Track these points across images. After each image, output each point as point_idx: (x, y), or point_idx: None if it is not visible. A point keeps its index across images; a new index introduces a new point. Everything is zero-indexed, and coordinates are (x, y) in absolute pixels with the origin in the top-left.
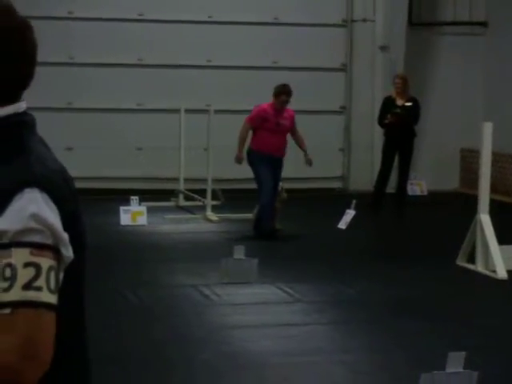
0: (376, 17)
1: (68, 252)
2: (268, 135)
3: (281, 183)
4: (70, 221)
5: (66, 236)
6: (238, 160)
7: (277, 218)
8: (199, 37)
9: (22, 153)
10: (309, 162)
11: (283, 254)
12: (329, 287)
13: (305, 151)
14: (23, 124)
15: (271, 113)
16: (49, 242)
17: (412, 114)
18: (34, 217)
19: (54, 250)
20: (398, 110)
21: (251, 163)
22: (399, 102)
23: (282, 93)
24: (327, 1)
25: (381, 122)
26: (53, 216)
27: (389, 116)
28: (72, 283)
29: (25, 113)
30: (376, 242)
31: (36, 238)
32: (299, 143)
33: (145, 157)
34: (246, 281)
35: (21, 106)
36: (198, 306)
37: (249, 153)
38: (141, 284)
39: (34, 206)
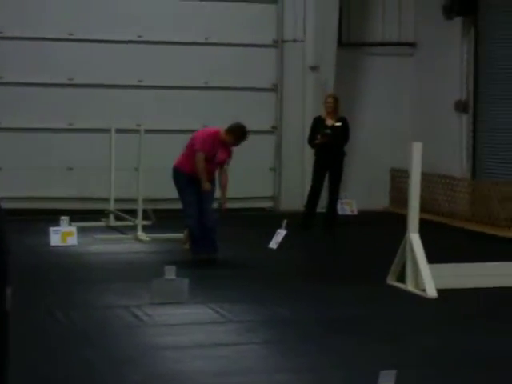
0: (306, 37)
1: None
2: (206, 164)
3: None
4: None
5: None
6: (206, 190)
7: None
8: (130, 56)
9: None
10: (223, 206)
11: (214, 274)
12: (261, 307)
13: (223, 194)
14: None
15: (216, 144)
16: None
17: (341, 134)
18: None
19: None
20: (328, 130)
21: (176, 182)
22: (329, 122)
23: (243, 139)
24: (258, 21)
25: (311, 142)
26: None
27: (319, 136)
28: None
29: None
30: (307, 262)
31: None
32: (222, 181)
33: (75, 177)
34: (177, 301)
35: None
36: (129, 327)
37: (175, 171)
38: (72, 305)
39: None
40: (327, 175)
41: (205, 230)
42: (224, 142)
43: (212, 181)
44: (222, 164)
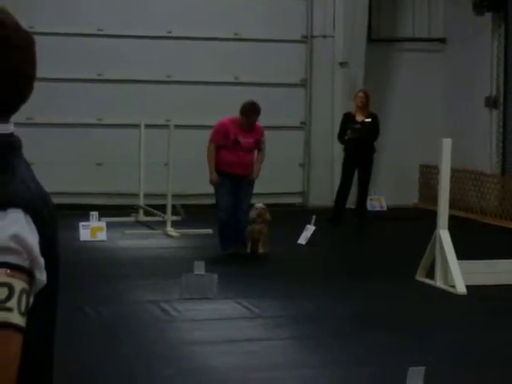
0: (336, 33)
1: (42, 276)
2: (226, 153)
3: (260, 204)
4: (48, 245)
5: (42, 260)
6: (214, 183)
7: (262, 242)
8: (159, 52)
9: (7, 174)
10: (252, 177)
11: (243, 270)
12: (289, 302)
13: (255, 167)
14: (10, 145)
15: (232, 129)
16: (25, 264)
17: (371, 130)
18: (15, 237)
19: (29, 273)
20: (358, 126)
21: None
22: (359, 118)
23: (253, 113)
24: (287, 17)
25: (340, 138)
26: (33, 239)
27: (348, 132)
28: (42, 308)
29: (12, 134)
30: (336, 258)
31: (13, 259)
32: (256, 159)
33: (105, 172)
34: (206, 296)
35: (8, 128)
36: (158, 322)
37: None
38: (101, 300)
39: (15, 227)
40: (357, 171)
41: (237, 226)
42: (242, 127)
43: (247, 172)
44: (252, 148)
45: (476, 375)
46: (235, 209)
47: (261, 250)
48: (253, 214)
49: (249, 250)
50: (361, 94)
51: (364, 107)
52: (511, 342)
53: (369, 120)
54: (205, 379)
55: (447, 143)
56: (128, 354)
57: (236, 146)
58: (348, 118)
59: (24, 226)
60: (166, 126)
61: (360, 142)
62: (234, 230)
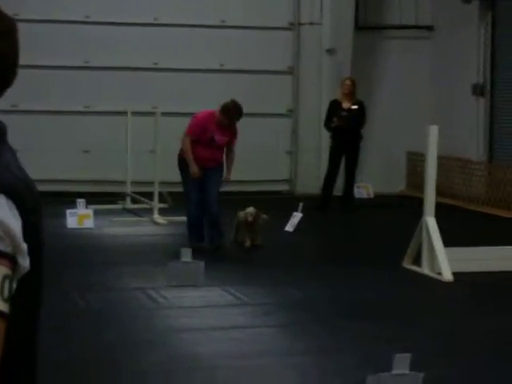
0: (323, 20)
1: (25, 262)
2: (199, 148)
3: (252, 209)
4: (31, 231)
5: (25, 246)
6: (197, 175)
7: (255, 235)
8: (146, 39)
9: None
10: (226, 180)
11: (230, 257)
12: (276, 290)
13: (228, 170)
14: None
15: (210, 126)
16: (7, 250)
17: (358, 118)
18: None
19: (11, 259)
20: (345, 114)
21: (180, 169)
22: (345, 105)
23: (235, 116)
24: (274, 3)
25: (327, 126)
26: (15, 224)
27: (335, 119)
28: (26, 294)
29: None
30: (323, 245)
31: None
32: (227, 160)
33: (92, 159)
34: (193, 284)
35: None
36: (145, 309)
37: (179, 159)
38: (88, 287)
39: None
40: (344, 159)
41: (209, 219)
42: (220, 123)
43: (217, 166)
44: (224, 147)
45: (462, 362)
46: (205, 201)
47: (258, 242)
48: (241, 219)
49: (232, 238)
50: (347, 82)
51: (351, 94)
52: (498, 328)
53: (355, 107)
54: (192, 366)
55: (434, 130)
56: (115, 341)
57: (211, 143)
58: (335, 106)
59: (6, 211)
60: (152, 114)
61: (347, 130)
62: (208, 223)
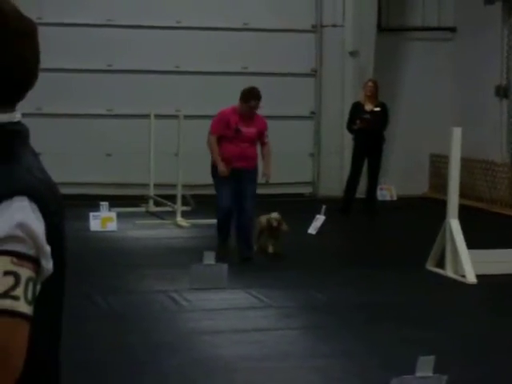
0: (345, 22)
1: (48, 265)
2: (227, 143)
3: (276, 214)
4: (54, 234)
5: (48, 249)
6: (224, 173)
7: (277, 242)
8: (168, 42)
9: (13, 162)
10: (265, 177)
11: (253, 260)
12: (299, 293)
13: (265, 164)
14: (17, 134)
15: (233, 118)
16: (31, 252)
17: (381, 120)
18: (21, 226)
19: (35, 262)
20: (367, 116)
21: (213, 175)
22: (368, 108)
23: (252, 97)
24: (297, 6)
25: (350, 128)
26: (39, 227)
27: (358, 121)
28: (49, 297)
29: (19, 123)
30: (346, 247)
31: (19, 247)
32: (263, 155)
33: (114, 162)
34: (216, 286)
35: (15, 116)
36: (168, 312)
37: (212, 165)
38: (111, 290)
39: (21, 215)
40: (366, 161)
41: (239, 228)
42: (243, 114)
43: (252, 169)
44: (255, 140)
45: (487, 364)
46: (237, 209)
47: (277, 250)
48: (264, 224)
49: (257, 246)
50: (370, 84)
51: (373, 96)
52: None
53: (378, 109)
54: (214, 368)
55: (457, 132)
56: (137, 343)
57: (237, 136)
58: (357, 108)
59: (30, 214)
60: (175, 117)
61: (369, 132)
62: (238, 233)
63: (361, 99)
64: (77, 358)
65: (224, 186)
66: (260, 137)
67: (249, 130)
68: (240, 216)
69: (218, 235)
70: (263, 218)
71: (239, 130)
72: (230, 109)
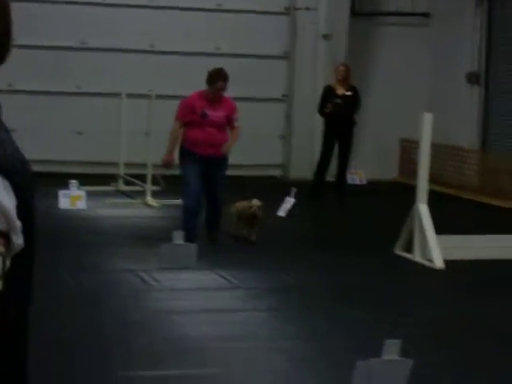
0: (319, 5)
1: (18, 240)
2: (194, 128)
3: (257, 201)
4: (25, 210)
5: (19, 224)
6: (166, 163)
7: (255, 231)
8: (142, 21)
9: None
10: (223, 148)
11: (222, 241)
12: (268, 274)
13: (228, 144)
14: None
15: (199, 102)
16: (1, 227)
17: (352, 104)
18: None
19: (5, 237)
20: (339, 100)
21: (180, 163)
22: (339, 92)
23: (218, 78)
24: None
25: (321, 111)
26: (9, 202)
27: (329, 105)
28: (19, 271)
29: None
30: (315, 231)
31: None
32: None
33: (85, 141)
34: (184, 266)
35: None
36: (137, 291)
37: (180, 152)
38: (80, 268)
39: None
40: (337, 144)
41: (209, 215)
42: (210, 97)
43: (219, 153)
44: (223, 124)
45: (453, 348)
46: (206, 197)
47: (253, 238)
48: (244, 211)
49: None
50: (342, 68)
51: (345, 80)
52: (487, 315)
53: (349, 93)
54: (182, 348)
55: (428, 118)
56: (106, 321)
57: (204, 121)
58: (328, 92)
59: (1, 190)
60: (147, 96)
61: (340, 116)
62: (206, 220)
63: (332, 83)
64: (46, 335)
65: (191, 170)
66: (229, 121)
67: (216, 114)
68: (209, 205)
69: (185, 229)
70: (241, 205)
71: (206, 115)
72: (196, 93)
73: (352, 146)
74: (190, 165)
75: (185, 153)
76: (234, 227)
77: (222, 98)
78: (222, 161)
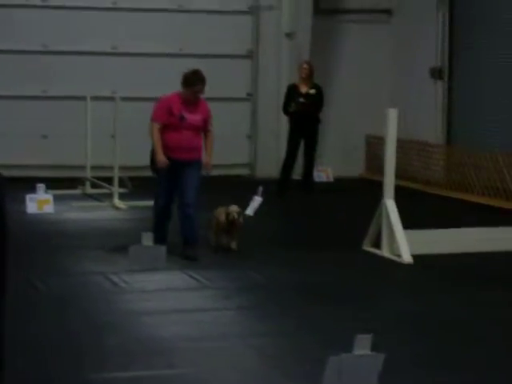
0: (282, 4)
1: None
2: (170, 132)
3: (236, 207)
4: None
5: None
6: (163, 164)
7: (233, 239)
8: (104, 23)
9: None
10: (206, 169)
11: (198, 260)
12: (237, 274)
13: (207, 155)
14: None
15: (176, 105)
16: None
17: (316, 102)
18: None
19: None
20: (302, 99)
21: (152, 169)
22: (303, 90)
23: (197, 81)
24: None
25: (285, 110)
26: None
27: (293, 104)
28: None
29: None
30: (283, 229)
31: None
32: (206, 145)
33: (51, 144)
34: (154, 267)
35: None
36: (106, 293)
37: (151, 158)
38: (49, 272)
39: None
40: (302, 142)
41: (183, 223)
42: (188, 100)
43: (196, 160)
44: (200, 128)
45: (423, 342)
46: (180, 203)
47: (233, 246)
48: (222, 217)
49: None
50: (305, 66)
51: (308, 78)
52: (455, 308)
53: (313, 91)
54: (154, 348)
55: (393, 114)
56: (76, 324)
57: (182, 124)
58: (292, 90)
59: None
60: (112, 98)
61: (305, 114)
62: (181, 230)
63: (296, 81)
64: (17, 340)
65: (165, 171)
66: (205, 124)
67: (194, 118)
68: (183, 210)
69: (155, 232)
70: (218, 212)
71: (184, 118)
72: (172, 95)
73: (317, 143)
74: (163, 172)
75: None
76: (214, 237)
77: (198, 100)
78: (196, 165)
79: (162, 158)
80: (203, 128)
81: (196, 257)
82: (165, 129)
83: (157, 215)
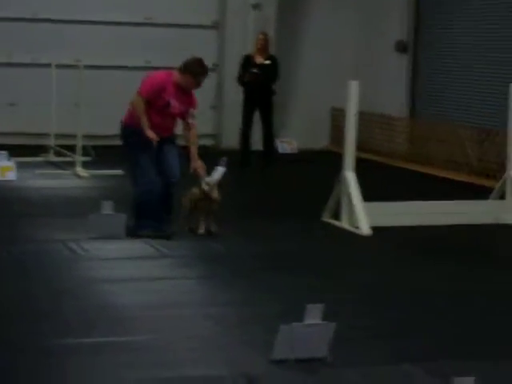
0: None
1: None
2: (152, 114)
3: (207, 179)
4: None
5: None
6: (154, 138)
7: (211, 219)
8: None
9: None
10: (197, 172)
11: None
12: (196, 243)
13: (193, 156)
14: None
15: (169, 89)
16: None
17: (270, 73)
18: None
19: None
20: (255, 70)
21: (126, 141)
22: (258, 60)
23: (204, 72)
24: None
25: (240, 80)
26: None
27: (246, 75)
28: None
29: None
30: (244, 199)
31: None
32: (189, 139)
33: (16, 111)
34: (113, 236)
35: None
36: (66, 261)
37: (124, 128)
38: (10, 239)
39: None
40: (259, 114)
41: (165, 196)
42: (180, 86)
43: (172, 136)
44: (181, 117)
45: (378, 313)
46: (162, 175)
47: (213, 229)
48: (196, 197)
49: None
50: (260, 36)
51: (263, 49)
52: (413, 280)
53: (268, 62)
54: (114, 316)
55: (354, 86)
56: (37, 291)
57: (165, 110)
58: (247, 61)
59: None
60: (76, 66)
61: (258, 85)
62: (164, 197)
63: (252, 52)
64: None
65: (146, 155)
66: (186, 115)
67: (179, 107)
68: (168, 188)
69: (138, 218)
70: (192, 192)
71: (169, 105)
72: (166, 75)
73: (272, 114)
74: (142, 150)
75: (136, 134)
76: (190, 219)
77: (191, 90)
78: (173, 138)
79: (151, 134)
80: (183, 117)
81: (170, 235)
82: (148, 107)
83: (145, 200)
